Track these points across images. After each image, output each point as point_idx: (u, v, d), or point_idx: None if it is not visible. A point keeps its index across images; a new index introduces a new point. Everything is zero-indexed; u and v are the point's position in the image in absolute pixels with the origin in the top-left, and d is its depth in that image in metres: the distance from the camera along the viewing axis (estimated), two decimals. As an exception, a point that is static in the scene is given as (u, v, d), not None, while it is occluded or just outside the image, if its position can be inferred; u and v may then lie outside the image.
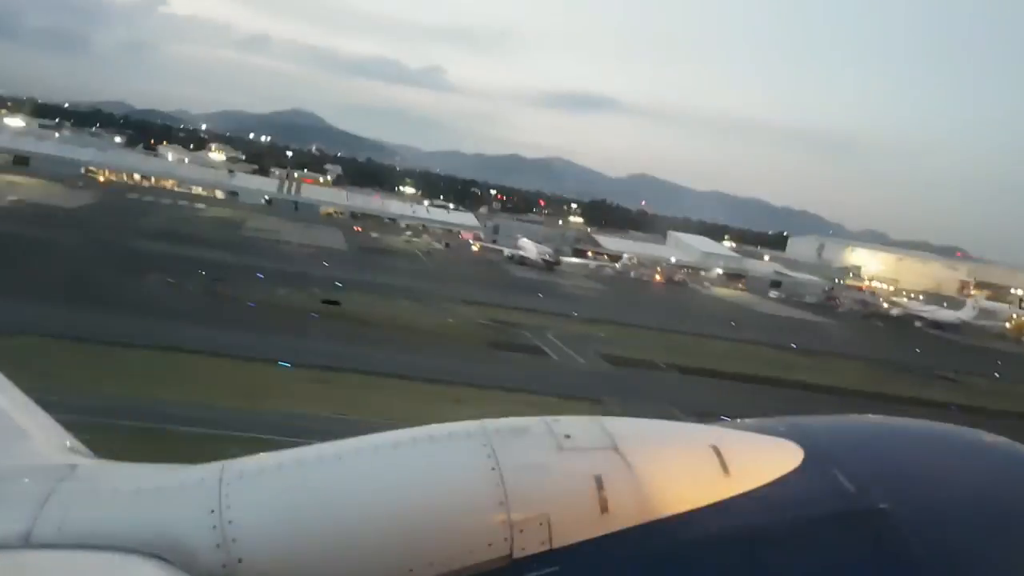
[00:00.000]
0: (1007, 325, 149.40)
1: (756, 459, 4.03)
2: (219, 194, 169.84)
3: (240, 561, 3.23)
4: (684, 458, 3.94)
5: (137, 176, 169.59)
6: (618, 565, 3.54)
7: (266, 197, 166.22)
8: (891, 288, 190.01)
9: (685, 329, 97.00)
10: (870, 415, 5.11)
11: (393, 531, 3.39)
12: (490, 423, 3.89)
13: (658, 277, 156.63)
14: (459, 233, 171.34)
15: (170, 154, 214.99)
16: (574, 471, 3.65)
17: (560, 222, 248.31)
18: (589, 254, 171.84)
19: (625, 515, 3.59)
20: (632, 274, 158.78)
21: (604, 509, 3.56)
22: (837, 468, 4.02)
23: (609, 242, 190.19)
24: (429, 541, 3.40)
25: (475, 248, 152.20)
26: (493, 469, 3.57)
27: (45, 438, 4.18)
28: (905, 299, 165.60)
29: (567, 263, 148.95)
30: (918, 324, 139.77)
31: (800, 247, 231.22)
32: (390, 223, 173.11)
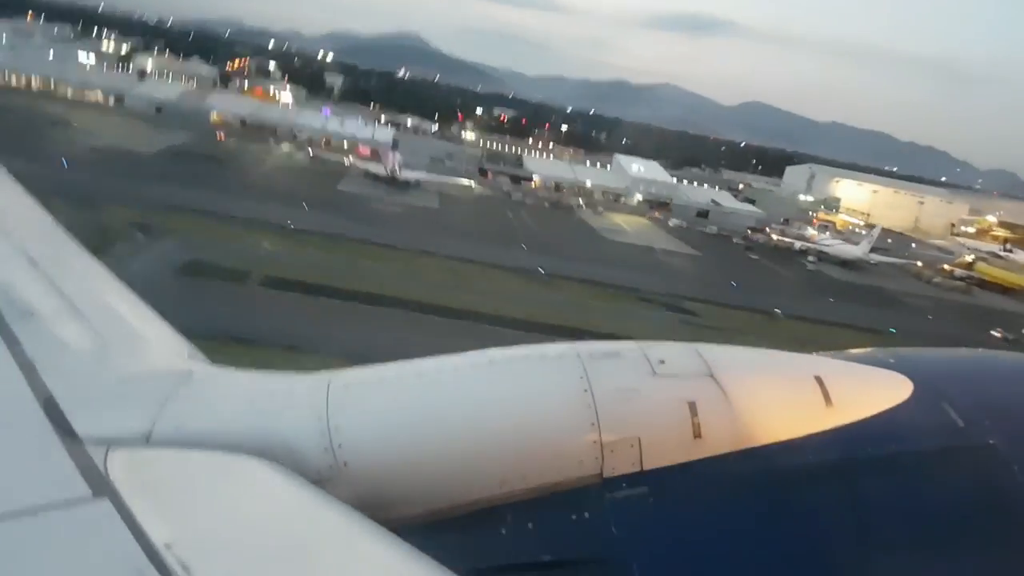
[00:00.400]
0: (918, 264, 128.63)
1: (861, 390, 3.97)
2: (109, 102, 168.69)
3: (346, 464, 3.41)
4: (783, 387, 3.89)
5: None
6: (709, 490, 3.57)
7: (158, 106, 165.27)
8: (862, 223, 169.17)
9: (431, 249, 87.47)
10: (982, 349, 4.95)
11: (488, 444, 3.49)
12: (583, 346, 3.90)
13: (546, 204, 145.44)
14: (356, 147, 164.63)
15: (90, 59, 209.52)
16: (667, 396, 3.66)
17: (550, 145, 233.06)
18: (489, 175, 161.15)
19: (718, 441, 3.59)
20: (521, 196, 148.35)
21: (697, 434, 3.59)
22: (947, 402, 3.98)
23: (538, 165, 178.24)
24: (522, 456, 3.49)
25: (347, 162, 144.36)
26: (585, 391, 3.62)
27: (164, 344, 4.34)
28: (826, 234, 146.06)
29: (442, 183, 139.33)
30: (811, 260, 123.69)
31: (795, 177, 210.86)
32: (288, 134, 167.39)
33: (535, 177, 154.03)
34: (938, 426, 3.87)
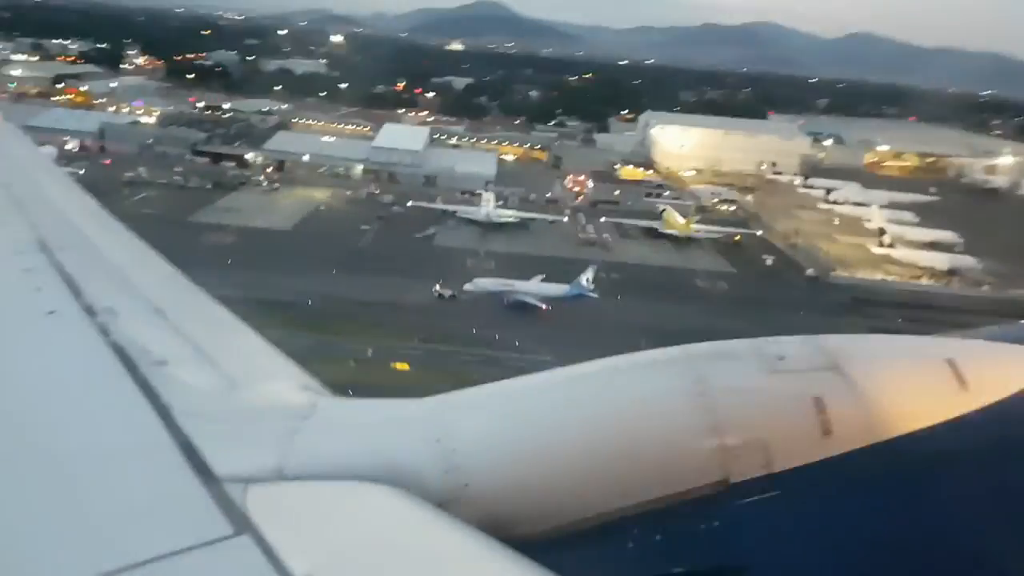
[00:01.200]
0: (549, 219, 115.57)
1: (997, 370, 3.73)
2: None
3: (466, 486, 3.42)
4: (913, 374, 3.72)
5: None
6: (844, 488, 3.45)
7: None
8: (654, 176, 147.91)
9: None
10: None
11: (606, 456, 3.47)
12: (694, 348, 3.86)
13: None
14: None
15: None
16: (790, 393, 3.55)
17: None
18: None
19: (850, 437, 3.43)
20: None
21: (826, 432, 3.43)
22: None
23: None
24: (642, 466, 3.45)
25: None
26: (702, 394, 3.56)
27: (285, 378, 4.65)
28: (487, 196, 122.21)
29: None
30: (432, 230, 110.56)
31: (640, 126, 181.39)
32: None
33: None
34: None
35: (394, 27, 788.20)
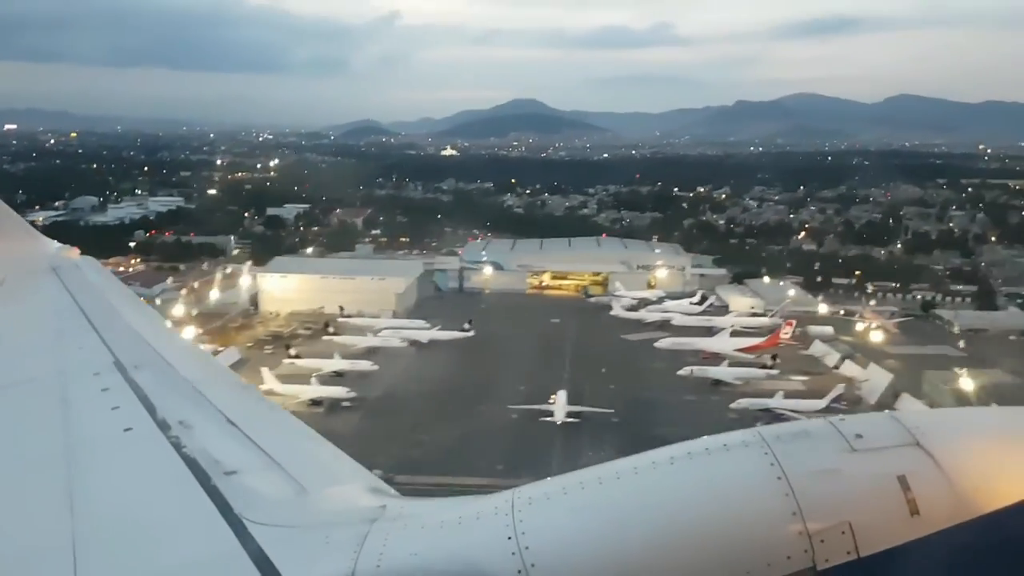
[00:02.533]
0: None
1: None
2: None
3: None
4: (999, 445, 3.56)
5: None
6: (937, 570, 3.29)
7: None
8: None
9: None
10: None
11: (685, 548, 3.34)
12: (766, 430, 3.74)
13: None
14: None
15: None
16: (873, 472, 3.41)
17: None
18: None
19: (938, 515, 3.30)
20: None
21: (914, 511, 3.29)
22: None
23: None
24: (723, 557, 3.30)
25: None
26: (779, 478, 3.41)
27: (356, 481, 4.74)
28: None
29: None
30: None
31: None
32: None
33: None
34: None
35: (434, 131, 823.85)
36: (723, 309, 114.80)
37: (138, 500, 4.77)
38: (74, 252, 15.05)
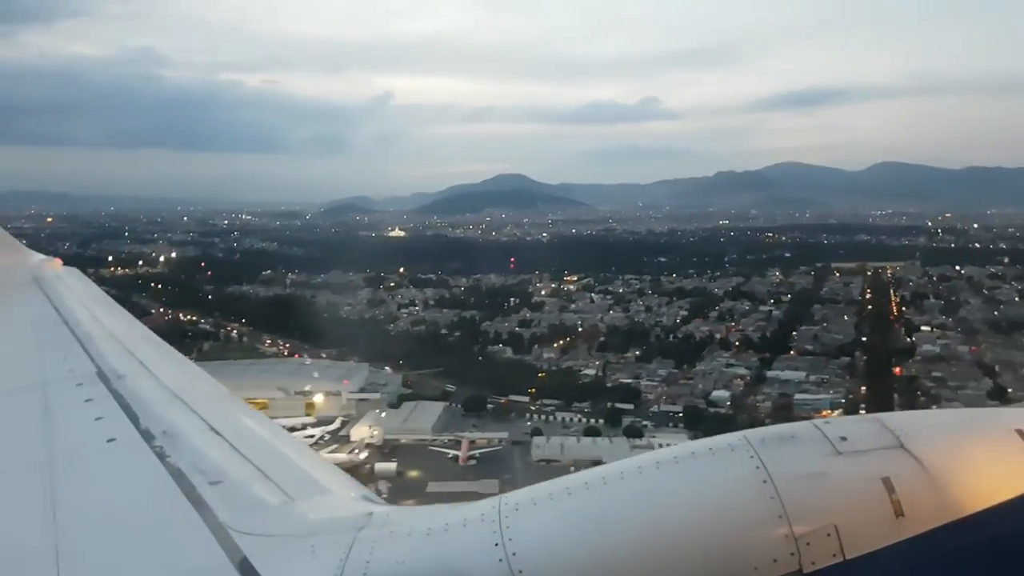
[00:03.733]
0: None
1: None
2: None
3: None
4: (983, 446, 3.59)
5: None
6: (922, 571, 3.33)
7: None
8: None
9: None
10: None
11: (672, 552, 3.37)
12: (752, 433, 3.73)
13: None
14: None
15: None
16: (858, 475, 3.44)
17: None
18: None
19: (923, 517, 3.33)
20: None
21: (898, 513, 3.33)
22: None
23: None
24: (710, 561, 3.33)
25: None
26: (765, 481, 3.45)
27: (342, 490, 4.74)
28: None
29: None
30: None
31: None
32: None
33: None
34: None
35: (422, 206, 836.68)
36: (343, 439, 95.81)
37: (122, 510, 4.80)
38: (56, 263, 15.41)
